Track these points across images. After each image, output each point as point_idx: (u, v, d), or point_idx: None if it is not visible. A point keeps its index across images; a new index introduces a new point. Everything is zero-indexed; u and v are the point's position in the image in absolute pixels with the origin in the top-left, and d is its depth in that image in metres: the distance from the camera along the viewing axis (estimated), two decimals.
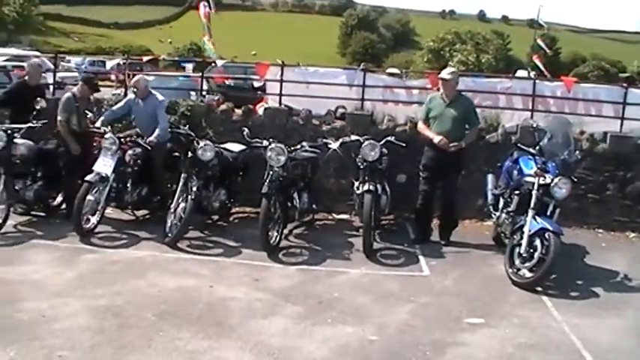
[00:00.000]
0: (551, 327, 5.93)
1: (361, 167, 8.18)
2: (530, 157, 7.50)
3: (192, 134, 8.55)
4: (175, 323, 5.53)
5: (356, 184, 8.35)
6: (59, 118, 8.75)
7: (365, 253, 7.71)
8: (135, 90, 8.98)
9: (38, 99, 8.70)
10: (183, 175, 8.10)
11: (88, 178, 8.01)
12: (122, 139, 8.48)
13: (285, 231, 8.30)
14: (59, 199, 9.19)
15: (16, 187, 8.39)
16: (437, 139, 8.09)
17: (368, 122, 10.01)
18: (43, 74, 12.07)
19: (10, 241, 7.78)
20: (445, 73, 8.32)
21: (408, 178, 9.26)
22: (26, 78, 9.35)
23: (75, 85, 9.68)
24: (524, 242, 6.93)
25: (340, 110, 10.75)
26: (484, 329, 5.80)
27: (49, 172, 8.88)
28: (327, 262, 7.50)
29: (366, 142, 8.18)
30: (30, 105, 8.60)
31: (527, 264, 6.91)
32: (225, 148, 8.96)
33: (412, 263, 7.67)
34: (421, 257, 7.88)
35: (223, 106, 10.56)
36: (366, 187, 7.90)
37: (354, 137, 8.63)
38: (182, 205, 7.97)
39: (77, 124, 8.80)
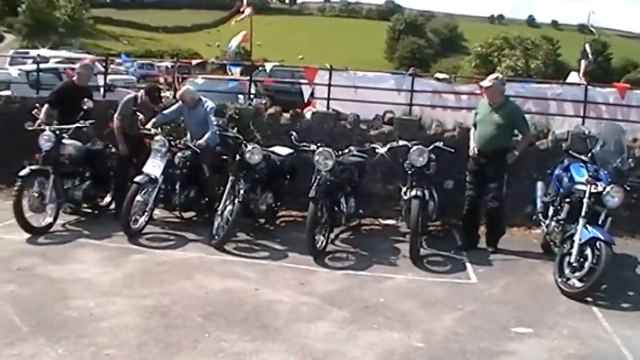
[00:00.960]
0: (601, 338, 5.80)
1: (409, 172, 8.15)
2: (582, 164, 7.37)
3: (241, 137, 8.64)
4: (221, 325, 5.58)
5: (403, 189, 8.33)
6: (116, 115, 9.02)
7: (412, 259, 7.68)
8: (182, 101, 9.15)
9: (85, 99, 8.87)
10: (231, 177, 8.19)
11: (137, 179, 8.17)
12: (172, 142, 8.62)
13: (332, 235, 8.32)
14: (107, 199, 9.41)
15: (65, 187, 8.58)
16: (470, 148, 8.23)
17: (416, 127, 10.00)
18: (94, 76, 12.38)
19: (60, 239, 8.00)
20: (485, 81, 8.26)
21: (455, 184, 9.15)
22: (74, 79, 9.54)
23: (125, 87, 9.94)
24: (574, 251, 6.80)
25: (388, 115, 10.73)
26: (532, 339, 5.71)
27: (97, 173, 9.09)
28: (373, 268, 7.50)
29: (414, 148, 8.15)
30: (77, 105, 8.77)
31: (577, 273, 6.78)
32: (272, 152, 9.04)
33: (459, 270, 7.61)
34: (468, 264, 7.82)
35: (271, 110, 10.68)
36: (413, 193, 7.88)
37: (401, 142, 8.61)
38: (229, 207, 8.05)
39: (129, 126, 9.00)
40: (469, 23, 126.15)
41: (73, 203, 8.91)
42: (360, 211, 8.97)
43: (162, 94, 11.54)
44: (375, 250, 8.14)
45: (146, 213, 8.35)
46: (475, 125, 8.38)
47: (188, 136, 9.21)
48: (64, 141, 8.51)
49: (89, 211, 9.28)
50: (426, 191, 8.07)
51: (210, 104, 9.05)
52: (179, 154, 8.62)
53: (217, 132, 8.85)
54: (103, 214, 9.27)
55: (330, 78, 10.79)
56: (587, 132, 8.00)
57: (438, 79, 11.81)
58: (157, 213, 8.97)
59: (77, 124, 8.64)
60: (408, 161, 8.18)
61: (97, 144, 9.23)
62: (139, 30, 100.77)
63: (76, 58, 19.69)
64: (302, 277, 6.99)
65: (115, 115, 9.06)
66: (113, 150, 9.26)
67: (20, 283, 6.37)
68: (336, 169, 8.15)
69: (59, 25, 66.60)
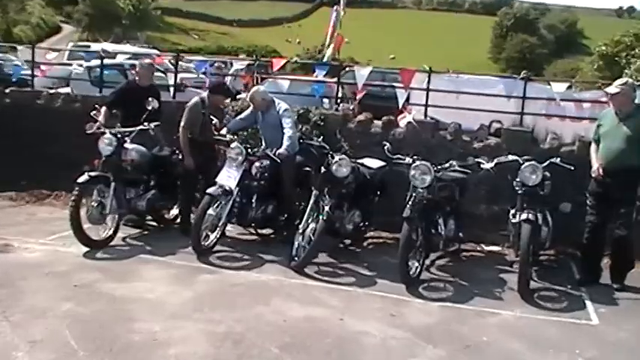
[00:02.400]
0: None
1: (519, 192, 8.08)
2: None
3: (326, 147, 8.76)
4: (300, 358, 5.65)
5: (512, 211, 8.24)
6: (182, 125, 9.17)
7: (520, 292, 7.59)
8: (252, 105, 9.32)
9: (150, 99, 9.03)
10: (314, 192, 8.32)
11: (210, 190, 8.36)
12: (249, 150, 8.81)
13: (427, 261, 8.34)
14: (174, 211, 9.70)
15: (127, 196, 8.86)
16: (594, 167, 8.03)
17: (528, 140, 9.89)
18: (161, 74, 12.76)
19: (121, 255, 8.31)
20: (612, 87, 8.07)
21: (573, 207, 8.99)
22: (137, 78, 9.84)
23: (196, 87, 10.16)
24: None
25: (495, 125, 10.68)
26: None
27: (163, 181, 9.39)
28: (474, 300, 7.45)
29: (526, 164, 8.07)
30: (141, 107, 8.97)
31: None
32: (362, 164, 9.11)
33: (577, 309, 7.45)
34: (588, 302, 7.64)
35: (361, 117, 10.77)
36: (524, 216, 7.79)
37: (511, 157, 8.52)
38: (312, 225, 8.16)
39: (200, 132, 9.19)
40: (591, 18, 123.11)
41: (135, 214, 9.23)
42: (461, 234, 8.95)
43: (239, 96, 11.82)
44: (477, 281, 8.10)
45: (218, 228, 8.54)
46: (597, 140, 8.19)
47: (263, 143, 9.39)
48: (126, 145, 8.77)
49: (154, 224, 9.61)
50: (538, 214, 7.97)
51: (283, 105, 9.17)
52: (257, 163, 8.77)
53: (297, 138, 8.99)
54: (168, 228, 9.58)
55: (428, 81, 10.80)
56: None
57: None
58: (230, 229, 9.19)
59: (141, 127, 8.87)
60: (518, 179, 8.10)
61: (163, 149, 9.53)
62: (210, 23, 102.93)
63: (142, 54, 20.31)
64: (392, 308, 7.02)
65: (181, 125, 9.19)
66: (181, 157, 9.46)
67: (78, 301, 6.62)
68: (434, 186, 8.14)
69: (123, 16, 68.28)
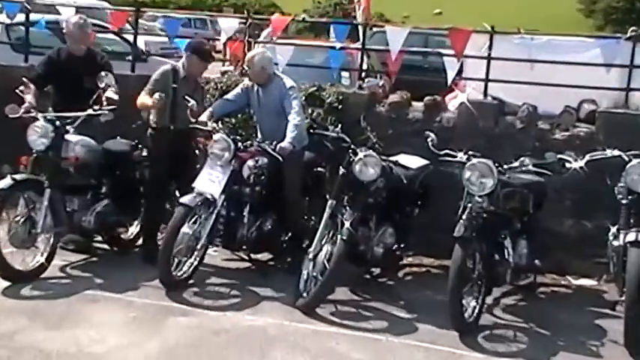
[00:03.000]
0: None
1: (623, 202, 8.04)
2: None
3: (346, 139, 8.75)
4: None
5: (612, 229, 8.23)
6: (145, 89, 9.15)
7: (628, 347, 7.50)
8: (249, 71, 9.28)
9: (102, 74, 8.92)
10: (330, 202, 8.31)
11: (184, 199, 8.33)
12: (239, 143, 8.75)
13: (489, 299, 8.32)
14: (134, 229, 9.71)
15: (69, 209, 8.79)
16: None
17: (635, 127, 9.84)
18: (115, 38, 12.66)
19: (59, 290, 8.24)
20: None
21: None
22: (69, 44, 9.59)
23: (164, 56, 10.03)
24: None
25: (587, 107, 10.59)
26: None
27: (120, 188, 9.35)
28: (559, 357, 7.42)
29: (635, 162, 8.03)
30: (79, 84, 8.93)
31: None
32: (396, 163, 9.12)
33: None
34: None
35: (394, 97, 10.74)
36: (631, 237, 7.70)
37: (610, 152, 8.49)
38: (326, 248, 8.15)
39: (170, 117, 9.18)
40: None
41: (80, 234, 9.19)
42: (536, 262, 8.80)
43: (223, 69, 11.81)
44: (562, 328, 8.05)
45: (196, 253, 8.51)
46: None
47: (258, 133, 9.40)
48: (68, 137, 8.68)
49: (105, 247, 9.60)
50: None
51: (288, 82, 9.16)
52: (249, 162, 8.72)
53: (304, 126, 9.01)
54: (126, 252, 9.59)
55: (490, 47, 10.76)
56: None
57: None
58: (213, 253, 9.20)
59: (90, 112, 8.78)
60: (622, 183, 8.08)
61: (120, 144, 9.50)
62: None
63: (87, 7, 20.27)
64: None
65: (144, 90, 9.18)
66: (145, 153, 9.49)
67: None
68: (499, 194, 8.11)
69: None
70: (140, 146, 9.52)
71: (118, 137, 9.59)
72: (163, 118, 9.19)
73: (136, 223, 9.76)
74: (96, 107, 8.83)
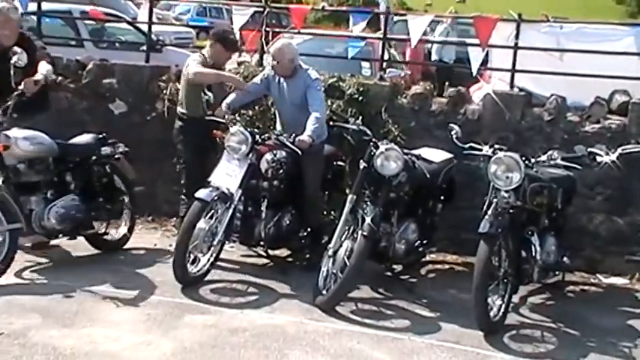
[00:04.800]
0: None
1: None
2: None
3: (367, 132, 8.70)
4: None
5: None
6: (193, 69, 9.10)
7: None
8: (275, 63, 9.18)
9: (16, 48, 8.55)
10: (350, 197, 8.24)
11: (199, 194, 8.29)
12: (257, 136, 8.69)
13: (516, 298, 8.25)
14: (122, 229, 9.56)
15: (27, 208, 8.50)
16: None
17: None
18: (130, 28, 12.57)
19: (73, 288, 8.13)
20: None
21: None
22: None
23: (182, 46, 9.97)
24: None
25: (619, 98, 10.47)
26: None
27: (87, 184, 9.10)
28: (588, 359, 7.34)
29: None
30: (8, 75, 8.51)
31: None
32: (419, 157, 9.04)
33: None
34: None
35: (417, 88, 10.67)
36: None
37: None
38: (347, 244, 8.10)
39: (203, 107, 9.23)
40: None
41: (45, 235, 8.82)
42: (565, 259, 8.78)
43: (240, 60, 11.73)
44: (593, 329, 7.98)
45: (213, 249, 8.46)
46: None
47: (278, 126, 9.36)
48: (7, 132, 8.30)
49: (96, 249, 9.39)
50: None
51: (313, 73, 9.14)
52: (267, 156, 8.68)
53: (325, 118, 8.95)
54: (113, 250, 9.50)
55: (517, 35, 10.66)
56: None
57: None
58: (230, 249, 9.17)
59: (16, 93, 8.38)
60: None
61: (84, 137, 9.22)
62: None
63: None
64: None
65: (190, 70, 9.13)
66: (121, 149, 9.38)
67: (6, 357, 6.55)
68: (526, 189, 8.02)
69: None
70: (111, 140, 9.34)
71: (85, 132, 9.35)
72: (198, 109, 9.21)
73: (124, 222, 9.61)
74: (20, 87, 8.49)
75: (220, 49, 9.32)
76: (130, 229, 9.58)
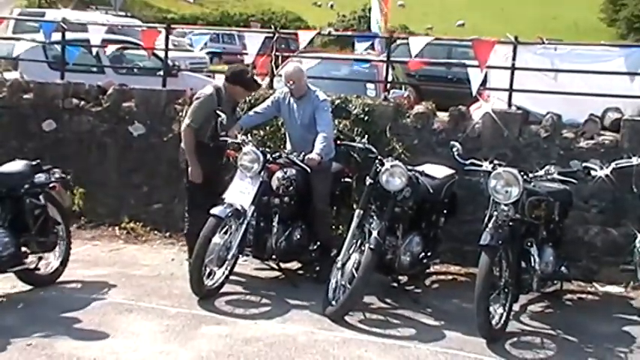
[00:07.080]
0: None
1: None
2: None
3: (373, 150, 8.78)
4: None
5: (639, 236, 8.20)
6: (187, 121, 9.11)
7: None
8: (291, 86, 9.24)
9: None
10: (357, 211, 8.33)
11: (215, 211, 8.39)
12: (268, 155, 8.80)
13: (516, 307, 8.31)
14: (55, 262, 8.92)
15: None
16: None
17: None
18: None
19: (94, 300, 8.29)
20: None
21: None
22: None
23: (194, 70, 9.99)
24: None
25: (611, 115, 10.54)
26: None
27: (15, 216, 8.33)
28: None
29: None
30: None
31: None
32: (422, 173, 9.10)
33: None
34: None
35: (419, 108, 10.76)
36: None
37: (635, 160, 8.45)
38: (355, 257, 8.19)
39: (211, 135, 9.17)
40: None
41: None
42: (563, 269, 8.83)
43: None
44: (590, 335, 8.02)
45: (227, 262, 8.57)
46: None
47: (288, 145, 9.46)
48: None
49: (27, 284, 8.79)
50: None
51: (321, 94, 9.24)
52: (278, 173, 8.79)
53: (332, 137, 9.05)
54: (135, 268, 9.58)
55: (514, 57, 10.75)
56: None
57: None
58: (244, 262, 9.24)
59: None
60: None
61: (13, 166, 8.60)
62: None
63: (122, 26, 20.34)
64: None
65: (186, 123, 9.12)
66: (57, 175, 8.85)
67: None
68: (524, 202, 8.10)
69: None
70: (46, 167, 8.78)
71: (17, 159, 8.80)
72: (205, 136, 9.19)
73: (57, 255, 8.88)
74: None
75: (240, 90, 9.33)
76: (64, 262, 8.92)
